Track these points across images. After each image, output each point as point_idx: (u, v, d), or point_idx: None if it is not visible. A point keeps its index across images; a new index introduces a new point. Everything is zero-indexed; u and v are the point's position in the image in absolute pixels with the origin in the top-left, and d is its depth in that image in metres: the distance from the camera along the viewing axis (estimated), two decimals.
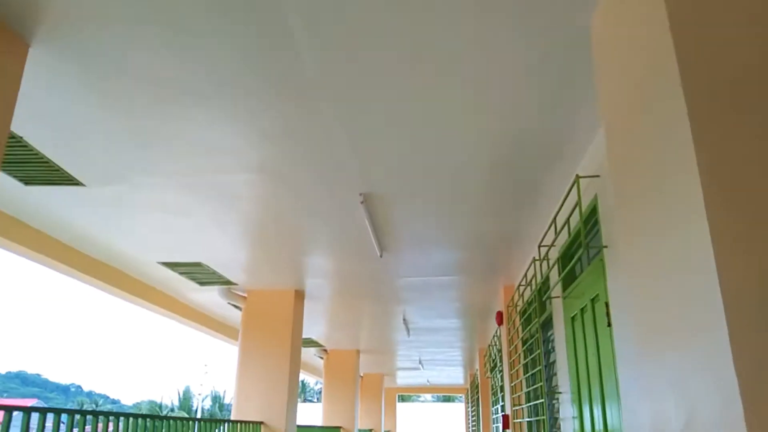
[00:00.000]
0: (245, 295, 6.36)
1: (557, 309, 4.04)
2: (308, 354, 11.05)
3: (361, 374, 14.37)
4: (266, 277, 5.88)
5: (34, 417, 2.95)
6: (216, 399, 37.65)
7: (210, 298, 6.61)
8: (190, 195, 3.81)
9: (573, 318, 3.62)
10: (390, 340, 10.10)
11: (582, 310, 3.40)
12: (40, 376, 63.25)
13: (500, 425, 7.66)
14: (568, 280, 3.75)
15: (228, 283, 5.96)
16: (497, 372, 8.26)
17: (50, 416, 3.02)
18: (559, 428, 4.04)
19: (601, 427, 3.01)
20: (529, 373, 5.06)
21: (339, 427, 10.52)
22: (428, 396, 44.61)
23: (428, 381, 17.01)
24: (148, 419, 3.96)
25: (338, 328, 8.98)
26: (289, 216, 4.19)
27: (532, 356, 4.78)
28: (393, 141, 3.12)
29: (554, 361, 4.20)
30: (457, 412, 34.34)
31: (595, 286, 3.12)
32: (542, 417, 4.41)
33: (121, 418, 3.71)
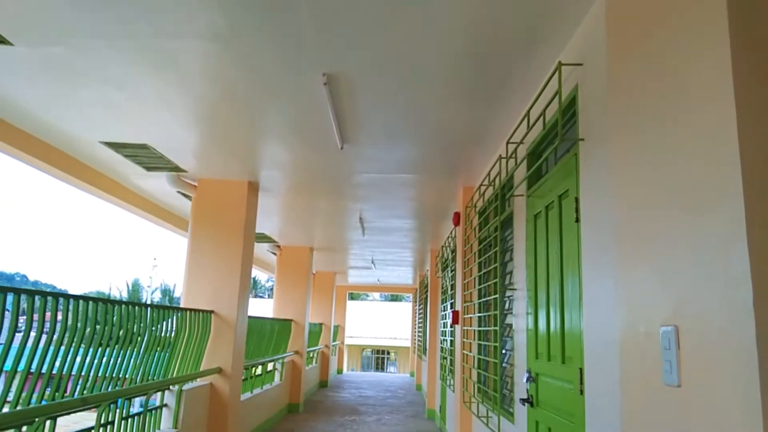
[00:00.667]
0: (195, 184, 6.08)
1: (519, 208, 3.97)
2: (261, 249, 10.98)
3: (314, 272, 14.52)
4: (218, 166, 5.60)
5: None
6: (166, 292, 37.87)
7: (158, 185, 6.30)
8: (134, 65, 3.43)
9: (536, 216, 3.55)
10: (344, 239, 10.09)
11: (547, 207, 3.33)
12: None
13: (449, 321, 7.89)
14: (533, 179, 3.66)
15: (177, 169, 5.65)
16: (448, 272, 8.41)
17: None
18: (510, 324, 4.10)
19: (558, 322, 3.02)
20: (483, 271, 5.09)
21: (290, 320, 10.69)
22: (376, 295, 46.14)
23: (379, 280, 17.40)
24: (99, 303, 3.79)
25: (293, 225, 8.86)
26: (243, 97, 3.87)
27: (488, 254, 4.78)
28: (359, 15, 2.81)
29: (510, 260, 4.20)
30: (404, 310, 35.77)
31: (564, 182, 3.02)
32: (494, 312, 4.47)
33: (71, 301, 3.51)
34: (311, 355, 13.37)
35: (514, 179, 4.13)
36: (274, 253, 11.12)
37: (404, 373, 26.67)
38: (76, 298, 3.57)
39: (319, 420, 9.71)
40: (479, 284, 5.31)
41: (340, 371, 19.84)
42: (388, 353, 38.39)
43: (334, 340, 17.08)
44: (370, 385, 16.36)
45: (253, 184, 6.20)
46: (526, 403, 3.44)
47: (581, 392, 2.60)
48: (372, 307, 38.27)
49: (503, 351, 4.32)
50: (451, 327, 7.58)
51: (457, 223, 6.14)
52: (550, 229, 3.26)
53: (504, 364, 4.32)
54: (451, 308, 7.61)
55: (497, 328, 4.22)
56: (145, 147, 4.93)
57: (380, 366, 38.36)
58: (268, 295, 45.62)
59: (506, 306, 4.34)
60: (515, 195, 4.00)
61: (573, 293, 2.79)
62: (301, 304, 10.92)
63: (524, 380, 3.47)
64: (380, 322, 34.43)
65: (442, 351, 8.91)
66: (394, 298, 43.86)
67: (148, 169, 5.63)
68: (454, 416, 6.30)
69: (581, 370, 2.61)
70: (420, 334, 15.05)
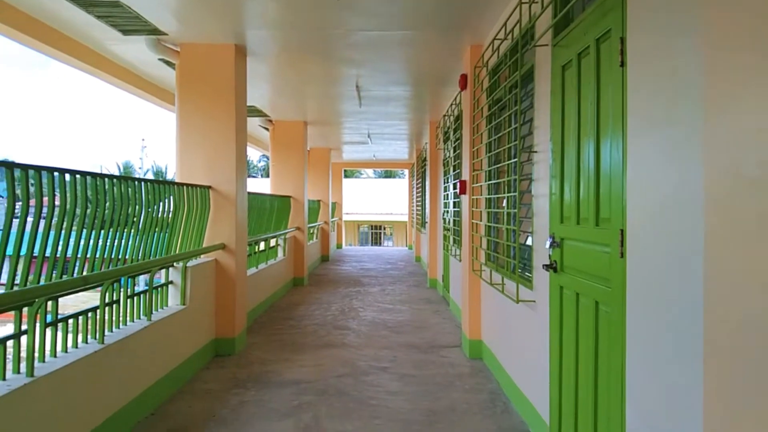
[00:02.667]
0: (178, 49, 5.55)
1: (543, 60, 3.57)
2: (252, 124, 10.53)
3: (308, 148, 14.17)
4: (201, 26, 5.05)
5: None
6: (158, 174, 37.57)
7: (138, 52, 5.75)
8: None
9: (564, 67, 3.17)
10: (339, 111, 9.63)
11: (579, 55, 2.94)
12: None
13: (452, 192, 7.71)
14: (561, 25, 3.23)
15: (156, 32, 5.10)
16: (450, 144, 8.09)
17: None
18: (530, 190, 3.86)
19: (591, 182, 2.76)
20: (496, 136, 4.77)
21: (289, 197, 10.52)
22: (370, 172, 46.15)
23: (374, 156, 17.10)
24: (98, 178, 3.48)
25: (285, 96, 8.36)
26: None
27: (503, 117, 4.43)
28: None
29: (530, 120, 3.87)
30: (398, 186, 35.94)
31: (603, 21, 2.62)
32: (512, 177, 4.22)
33: (67, 175, 3.19)
34: (311, 231, 13.40)
35: (536, 29, 3.68)
36: (266, 129, 10.69)
37: (401, 247, 27.24)
38: (72, 172, 3.23)
39: (324, 291, 9.87)
40: (490, 151, 5.01)
41: (339, 246, 20.16)
42: (384, 228, 39.12)
43: (332, 217, 17.13)
44: (370, 258, 16.65)
45: (240, 48, 5.67)
46: (549, 269, 3.28)
47: (622, 255, 2.40)
48: (366, 184, 38.37)
49: (522, 219, 4.12)
50: (456, 198, 7.40)
51: (463, 86, 5.72)
52: (584, 80, 2.90)
53: (520, 232, 4.15)
54: (455, 179, 7.38)
55: (516, 193, 3.98)
56: (118, 4, 4.37)
57: (376, 240, 39.26)
58: (261, 175, 45.50)
59: (524, 171, 4.07)
60: (538, 45, 3.58)
61: (614, 150, 2.49)
62: (298, 180, 10.69)
63: (547, 246, 3.28)
64: (375, 199, 34.70)
65: (444, 223, 8.83)
66: (388, 175, 43.90)
67: (125, 32, 5.07)
68: (460, 285, 6.29)
69: (623, 232, 2.39)
70: (419, 208, 15.04)
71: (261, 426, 3.92)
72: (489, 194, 5.05)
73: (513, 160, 4.13)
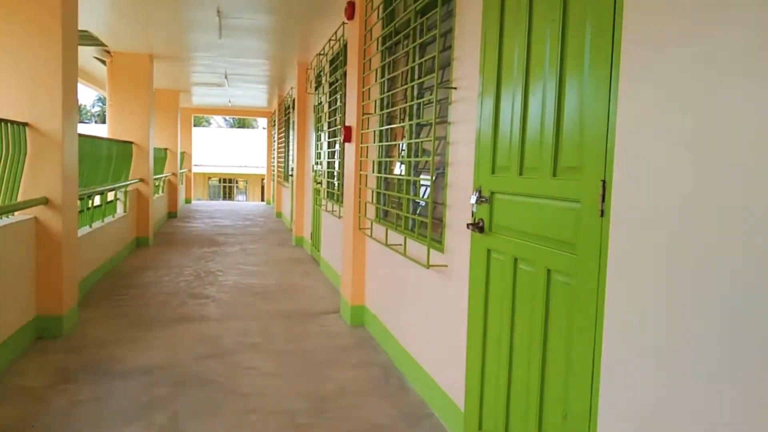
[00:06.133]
0: None
1: None
2: (84, 55, 8.79)
3: (154, 88, 12.46)
4: None
5: None
6: None
7: None
8: None
9: None
10: (193, 44, 8.31)
11: None
12: None
13: (325, 142, 6.95)
14: None
15: None
16: (325, 87, 7.27)
17: None
18: (446, 136, 3.24)
19: (551, 129, 2.18)
20: (396, 72, 4.07)
21: (131, 143, 9.02)
22: (220, 121, 43.48)
23: (230, 102, 15.62)
24: None
25: (127, 19, 6.92)
26: None
27: (410, 47, 3.73)
28: None
29: (449, 48, 3.21)
30: (254, 136, 34.13)
31: None
32: (420, 120, 3.57)
33: None
34: (157, 183, 11.88)
35: None
36: (103, 61, 9.01)
37: (257, 202, 25.93)
38: None
39: (174, 253, 8.66)
40: (387, 90, 4.31)
41: (188, 201, 18.48)
42: (237, 182, 37.20)
43: (180, 168, 15.49)
44: (224, 214, 15.37)
45: None
46: (475, 229, 2.71)
47: (602, 213, 1.85)
48: (217, 134, 35.95)
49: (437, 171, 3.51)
50: (332, 148, 6.66)
51: (351, 15, 4.92)
52: None
53: (429, 184, 3.54)
54: (331, 126, 6.62)
55: (430, 139, 3.33)
56: None
57: (229, 195, 37.28)
58: (96, 122, 40.81)
59: (439, 113, 3.44)
60: None
61: (592, 81, 1.92)
62: (142, 125, 9.18)
63: (473, 201, 2.70)
64: (227, 150, 32.61)
65: (315, 175, 8.05)
66: (242, 125, 41.61)
67: None
68: (342, 245, 5.63)
69: (604, 183, 1.84)
70: (281, 159, 14.02)
71: None
72: (386, 141, 4.38)
73: (427, 99, 3.46)
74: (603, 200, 1.85)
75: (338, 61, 6.18)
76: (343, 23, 5.64)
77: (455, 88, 3.07)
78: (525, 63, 2.36)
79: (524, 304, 2.37)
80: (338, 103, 6.16)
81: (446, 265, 3.19)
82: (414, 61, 3.68)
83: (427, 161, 3.50)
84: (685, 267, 1.50)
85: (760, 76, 1.28)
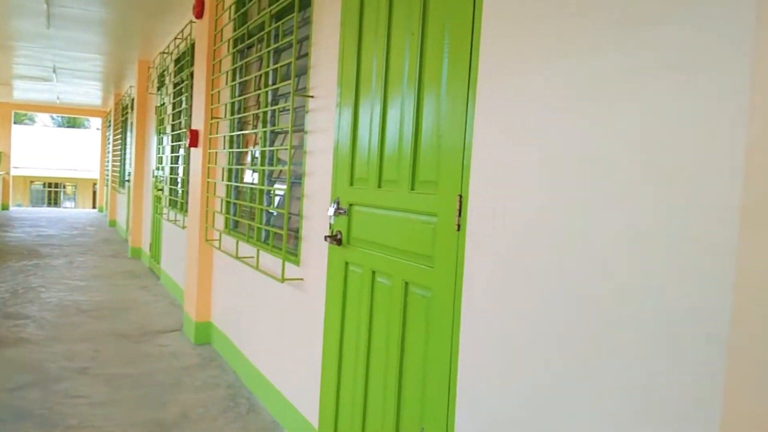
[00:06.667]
0: None
1: None
2: None
3: None
4: None
5: None
6: None
7: None
8: None
9: None
10: (16, 31, 7.33)
11: None
12: None
13: (167, 146, 6.50)
14: None
15: None
16: (168, 88, 6.80)
17: None
18: (303, 146, 3.14)
19: (409, 143, 2.18)
20: (248, 77, 3.90)
21: None
22: (47, 120, 39.26)
23: (59, 98, 14.07)
24: None
25: None
26: None
27: (263, 52, 3.58)
28: None
29: (306, 55, 3.13)
30: (86, 137, 31.19)
31: None
32: (275, 128, 3.43)
33: None
34: None
35: None
36: None
37: (87, 209, 23.65)
38: None
39: None
40: (239, 94, 4.11)
41: (6, 207, 16.33)
42: (65, 186, 33.71)
43: None
44: (49, 222, 13.78)
45: None
46: (332, 241, 2.64)
47: (458, 228, 1.88)
48: (42, 133, 32.31)
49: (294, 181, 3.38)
50: (176, 152, 6.24)
51: (199, 14, 4.64)
52: (397, 7, 2.30)
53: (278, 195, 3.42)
54: (175, 130, 6.21)
55: (286, 147, 3.20)
56: None
57: (54, 201, 33.62)
58: None
59: (294, 120, 3.33)
60: None
61: (449, 97, 1.95)
62: None
63: (330, 213, 2.64)
64: (54, 151, 29.43)
65: (156, 181, 7.49)
66: (72, 124, 37.85)
67: None
68: (186, 257, 5.27)
69: (461, 198, 1.87)
70: (117, 163, 12.90)
71: None
72: (237, 148, 4.16)
73: (277, 106, 3.32)
74: (459, 215, 1.88)
75: (184, 60, 5.81)
76: (191, 22, 5.32)
77: (312, 97, 2.99)
78: (384, 76, 2.36)
79: (382, 318, 2.35)
80: (183, 105, 5.79)
81: (302, 279, 3.08)
82: (268, 66, 3.54)
83: (282, 170, 3.37)
84: (530, 281, 1.56)
85: (592, 102, 1.37)
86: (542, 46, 1.56)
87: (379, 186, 2.38)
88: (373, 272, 2.42)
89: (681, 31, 1.20)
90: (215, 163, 4.44)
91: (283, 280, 3.13)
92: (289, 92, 3.10)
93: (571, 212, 1.45)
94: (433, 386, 2.00)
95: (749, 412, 1.13)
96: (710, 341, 1.12)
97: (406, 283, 2.19)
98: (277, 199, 3.59)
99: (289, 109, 3.10)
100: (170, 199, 6.41)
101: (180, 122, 6.06)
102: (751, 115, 1.06)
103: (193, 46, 5.25)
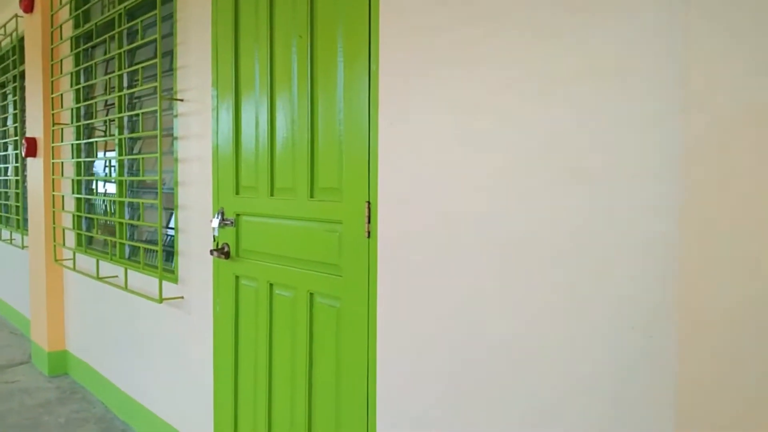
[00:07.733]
0: None
1: None
2: None
3: None
4: None
5: None
6: None
7: None
8: None
9: None
10: None
11: None
12: None
13: (6, 154, 5.70)
14: None
15: None
16: None
17: None
18: (174, 153, 2.90)
19: (305, 148, 2.10)
20: (98, 79, 3.50)
21: None
22: None
23: None
24: None
25: None
26: None
27: (114, 53, 3.24)
28: None
29: (169, 54, 2.88)
30: None
31: None
32: (135, 134, 3.12)
33: None
34: None
35: None
36: None
37: None
38: None
39: None
40: (88, 98, 3.69)
41: None
42: None
43: None
44: None
45: None
46: (220, 255, 2.48)
47: (369, 235, 1.85)
48: None
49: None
50: (10, 162, 5.48)
51: (29, 8, 4.09)
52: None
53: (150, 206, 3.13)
54: (4, 137, 5.45)
55: (152, 154, 2.92)
56: None
57: None
58: None
59: (161, 125, 3.06)
60: None
61: (351, 99, 1.91)
62: None
63: (215, 224, 2.47)
64: None
65: None
66: None
67: None
68: (29, 281, 4.65)
69: (369, 205, 1.85)
70: None
71: None
72: (88, 157, 3.74)
73: (137, 111, 3.02)
74: (369, 221, 1.85)
75: (9, 59, 5.09)
76: (17, 15, 4.67)
77: (181, 100, 2.77)
78: (269, 80, 2.24)
79: (285, 331, 2.25)
80: (12, 110, 5.09)
81: (182, 297, 2.86)
82: (123, 68, 3.22)
83: (148, 180, 3.09)
84: (443, 283, 1.58)
85: (510, 104, 1.41)
86: (452, 48, 1.57)
87: (272, 194, 2.27)
88: (271, 285, 2.31)
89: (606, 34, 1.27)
90: (61, 175, 3.95)
91: (161, 300, 2.88)
92: (148, 95, 2.84)
93: (481, 217, 1.48)
94: (349, 397, 1.95)
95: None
96: (635, 331, 1.21)
97: (311, 294, 2.12)
98: (146, 212, 3.28)
99: (150, 114, 2.83)
100: (2, 216, 5.61)
101: (6, 129, 5.32)
102: (684, 113, 1.16)
103: (21, 42, 4.62)
